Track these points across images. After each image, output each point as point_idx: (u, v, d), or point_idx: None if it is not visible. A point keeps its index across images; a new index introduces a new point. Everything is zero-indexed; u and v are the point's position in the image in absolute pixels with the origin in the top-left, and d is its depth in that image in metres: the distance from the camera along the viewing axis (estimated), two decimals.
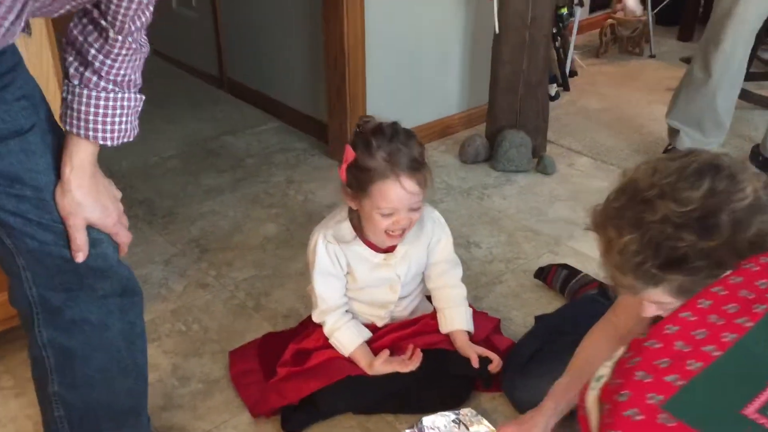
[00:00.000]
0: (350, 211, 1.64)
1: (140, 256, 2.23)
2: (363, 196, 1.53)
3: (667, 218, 1.04)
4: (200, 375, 1.80)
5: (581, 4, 3.40)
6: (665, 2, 3.84)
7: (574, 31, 3.46)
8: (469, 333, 1.72)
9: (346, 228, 1.64)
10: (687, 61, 3.87)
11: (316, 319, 1.70)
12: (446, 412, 1.58)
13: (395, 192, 1.50)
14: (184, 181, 2.70)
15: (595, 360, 1.43)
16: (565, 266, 2.07)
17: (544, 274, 2.09)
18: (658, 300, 1.11)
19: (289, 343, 1.75)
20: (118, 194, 1.15)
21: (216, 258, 2.27)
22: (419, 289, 1.78)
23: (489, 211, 2.49)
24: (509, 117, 2.75)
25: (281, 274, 2.20)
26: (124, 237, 1.16)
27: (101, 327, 1.19)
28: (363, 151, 1.51)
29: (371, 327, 1.74)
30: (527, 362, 1.65)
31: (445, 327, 1.72)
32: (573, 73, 3.49)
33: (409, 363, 1.63)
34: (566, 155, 2.84)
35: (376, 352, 1.67)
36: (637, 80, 3.53)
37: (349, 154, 1.53)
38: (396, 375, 1.63)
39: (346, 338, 1.66)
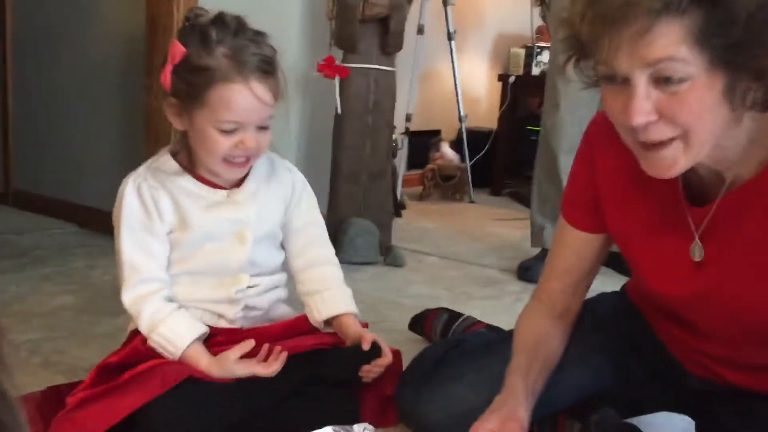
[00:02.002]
0: (173, 144, 1.25)
1: None
2: (195, 108, 1.15)
3: None
4: None
5: (406, 132, 3.42)
6: (480, 154, 4.00)
7: (403, 160, 3.44)
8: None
9: (169, 161, 1.24)
10: (515, 195, 3.98)
11: (128, 302, 1.20)
12: (333, 427, 1.12)
13: (242, 98, 1.14)
14: None
15: (546, 339, 1.14)
16: (445, 310, 1.75)
17: (420, 322, 1.75)
18: (673, 53, 0.82)
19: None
20: None
21: None
22: (279, 276, 1.33)
23: None
24: (352, 207, 2.51)
25: (82, 334, 1.65)
26: None
27: None
28: (198, 47, 1.14)
29: (215, 331, 1.25)
30: (434, 366, 1.25)
31: (324, 312, 1.29)
32: (402, 206, 3.41)
33: (271, 364, 1.17)
34: (413, 255, 2.62)
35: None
36: (463, 214, 3.51)
37: (177, 50, 1.15)
38: (259, 384, 1.16)
39: (176, 331, 1.17)
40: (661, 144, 0.88)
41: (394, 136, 3.12)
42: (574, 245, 1.17)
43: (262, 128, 1.19)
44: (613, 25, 0.82)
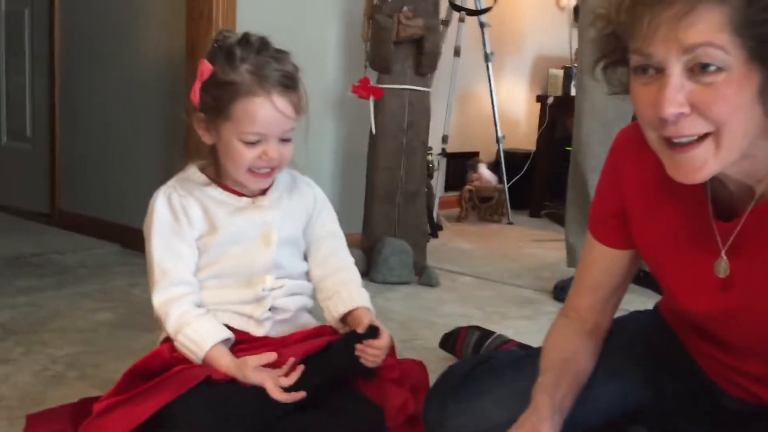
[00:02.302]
0: (202, 158, 1.31)
1: None
2: (221, 121, 1.22)
3: None
4: None
5: (443, 153, 3.43)
6: (519, 176, 3.98)
7: (440, 181, 3.44)
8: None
9: (197, 174, 1.30)
10: (553, 216, 3.95)
11: (157, 305, 1.23)
12: None
13: (264, 111, 1.20)
14: None
15: (575, 356, 1.12)
16: (477, 328, 1.74)
17: (451, 341, 1.74)
18: (711, 39, 0.80)
19: None
20: None
21: (26, 339, 1.72)
22: (303, 283, 1.35)
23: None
24: (387, 228, 2.52)
25: (119, 349, 1.69)
26: None
27: None
28: (224, 64, 1.21)
29: (243, 337, 1.27)
30: (461, 381, 1.24)
31: (341, 308, 1.31)
32: (439, 227, 3.40)
33: (283, 380, 1.17)
34: (448, 275, 2.61)
35: None
36: (500, 235, 3.48)
37: (206, 68, 1.22)
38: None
39: (201, 333, 1.20)
40: (690, 145, 0.86)
41: (429, 157, 3.14)
42: (603, 261, 1.15)
43: (284, 140, 1.24)
44: (654, 7, 0.81)
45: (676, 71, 0.82)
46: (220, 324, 1.24)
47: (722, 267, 0.97)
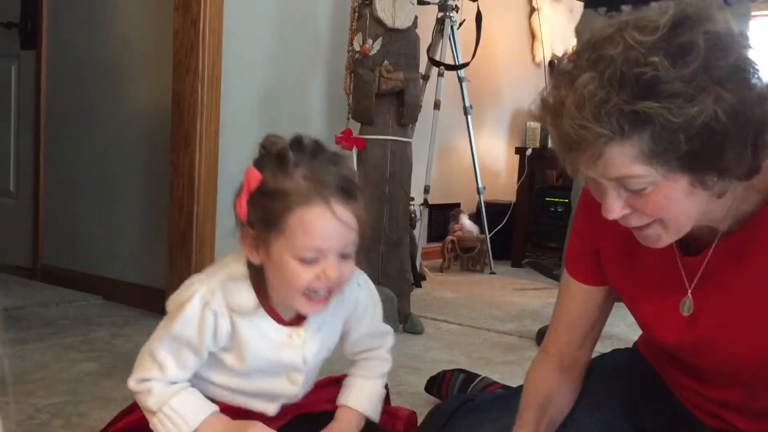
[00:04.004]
0: (248, 264, 1.12)
1: None
2: (272, 236, 1.05)
3: (631, 47, 0.85)
4: None
5: (425, 203, 3.48)
6: (500, 226, 4.03)
7: (422, 231, 3.48)
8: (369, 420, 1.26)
9: (246, 293, 1.11)
10: (535, 265, 3.99)
11: (134, 385, 1.11)
12: None
13: (323, 221, 1.04)
14: None
15: (555, 392, 1.17)
16: (461, 371, 1.75)
17: (436, 384, 1.75)
18: (627, 173, 0.87)
19: None
20: None
21: (11, 389, 1.71)
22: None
23: None
24: (371, 275, 2.53)
25: (103, 398, 1.68)
26: None
27: None
28: (275, 170, 1.06)
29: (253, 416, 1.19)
30: (449, 419, 1.26)
31: (342, 397, 1.26)
32: (422, 277, 3.43)
33: None
34: (432, 323, 2.62)
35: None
36: (483, 284, 3.51)
37: (253, 177, 1.06)
38: None
39: (189, 407, 1.10)
40: (642, 227, 0.93)
41: (411, 207, 3.18)
42: (579, 298, 1.18)
43: (345, 257, 1.08)
44: (570, 151, 0.89)
45: (609, 186, 0.90)
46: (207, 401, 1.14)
47: (687, 305, 1.01)
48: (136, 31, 2.72)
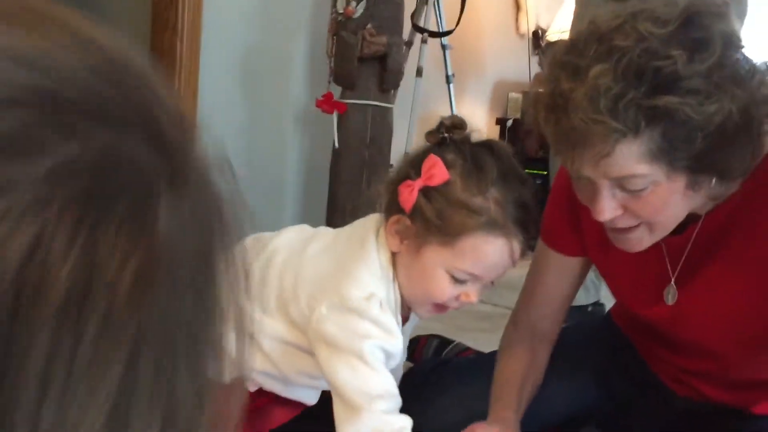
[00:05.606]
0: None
1: None
2: (434, 242, 0.97)
3: (645, 38, 0.81)
4: None
5: None
6: None
7: None
8: None
9: (396, 293, 1.03)
10: None
11: None
12: None
13: (498, 255, 0.96)
14: None
15: (530, 373, 1.16)
16: (436, 336, 1.76)
17: (411, 348, 1.75)
18: (631, 172, 0.85)
19: None
20: None
21: None
22: None
23: None
24: None
25: None
26: None
27: None
28: (467, 179, 0.95)
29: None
30: (423, 381, 1.27)
31: None
32: None
33: None
34: None
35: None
36: None
37: (439, 173, 0.95)
38: None
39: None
40: (626, 229, 0.93)
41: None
42: (556, 270, 1.17)
43: (492, 283, 1.05)
44: (574, 148, 0.86)
45: (605, 186, 0.88)
46: None
47: (671, 296, 1.02)
48: None
